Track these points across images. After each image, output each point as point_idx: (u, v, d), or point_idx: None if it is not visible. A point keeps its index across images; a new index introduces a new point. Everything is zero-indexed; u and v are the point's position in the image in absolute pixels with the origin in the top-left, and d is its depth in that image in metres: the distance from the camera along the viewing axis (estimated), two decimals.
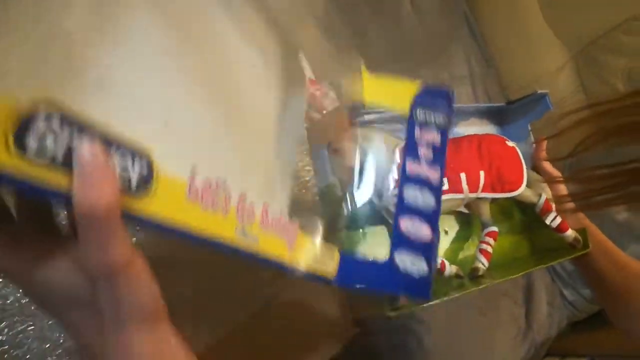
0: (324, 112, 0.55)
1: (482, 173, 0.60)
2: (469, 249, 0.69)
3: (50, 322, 0.50)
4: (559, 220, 0.64)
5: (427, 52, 1.16)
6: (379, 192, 0.59)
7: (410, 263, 0.40)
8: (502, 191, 0.62)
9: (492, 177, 0.61)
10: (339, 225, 0.56)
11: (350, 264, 0.39)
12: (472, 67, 1.24)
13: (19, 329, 0.49)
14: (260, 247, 0.32)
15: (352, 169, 0.56)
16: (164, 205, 0.26)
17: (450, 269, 0.61)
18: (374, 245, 0.61)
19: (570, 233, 0.63)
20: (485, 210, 0.66)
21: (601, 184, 0.60)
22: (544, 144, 0.71)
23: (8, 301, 0.49)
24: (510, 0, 1.27)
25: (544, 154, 0.70)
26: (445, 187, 0.58)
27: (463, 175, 0.60)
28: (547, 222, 0.63)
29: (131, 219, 0.24)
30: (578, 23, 1.16)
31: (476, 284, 0.59)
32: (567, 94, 1.17)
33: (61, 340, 0.50)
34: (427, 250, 0.41)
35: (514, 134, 0.74)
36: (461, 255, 0.69)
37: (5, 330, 0.48)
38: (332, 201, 0.57)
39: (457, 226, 0.71)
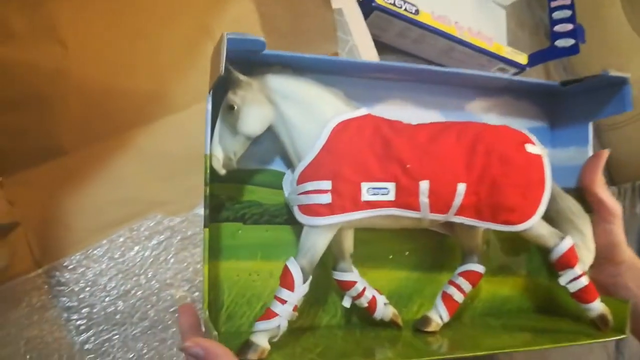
0: None
1: (461, 187, 0.42)
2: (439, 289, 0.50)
3: (134, 332, 0.51)
4: (583, 282, 0.44)
5: None
6: (289, 181, 0.46)
7: None
8: (494, 221, 0.43)
9: (482, 197, 0.42)
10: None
11: None
12: (551, 79, 1.18)
13: (105, 337, 0.51)
14: None
15: (247, 139, 0.42)
16: None
17: (384, 310, 0.47)
18: (248, 247, 0.47)
19: (596, 306, 0.45)
20: (473, 237, 0.48)
21: None
22: (604, 156, 0.50)
23: (94, 310, 0.51)
24: (590, 5, 1.20)
25: (600, 174, 0.49)
26: (390, 196, 0.41)
27: (424, 185, 0.41)
28: (562, 282, 0.45)
29: None
30: None
31: (417, 351, 0.42)
32: None
33: (144, 350, 0.51)
34: None
35: (564, 134, 0.54)
36: (423, 297, 0.51)
37: (92, 338, 0.50)
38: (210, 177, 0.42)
39: (429, 254, 0.52)
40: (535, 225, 0.44)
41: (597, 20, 1.20)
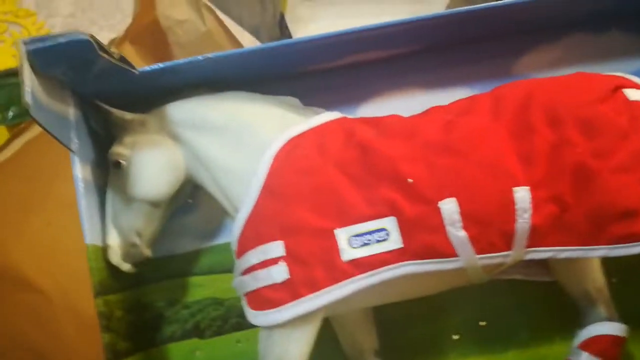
0: None
1: (521, 194, 0.24)
2: None
3: None
4: None
5: None
6: None
7: None
8: (601, 241, 0.24)
9: (567, 203, 0.24)
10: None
11: None
12: None
13: None
14: None
15: (154, 206, 0.28)
16: None
17: None
18: None
19: None
20: (581, 276, 0.28)
21: None
22: None
23: None
24: None
25: None
26: (393, 242, 0.24)
27: (449, 206, 0.23)
28: None
29: None
30: None
31: None
32: None
33: None
34: None
35: None
36: None
37: None
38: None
39: (522, 316, 0.31)
40: None
41: None
